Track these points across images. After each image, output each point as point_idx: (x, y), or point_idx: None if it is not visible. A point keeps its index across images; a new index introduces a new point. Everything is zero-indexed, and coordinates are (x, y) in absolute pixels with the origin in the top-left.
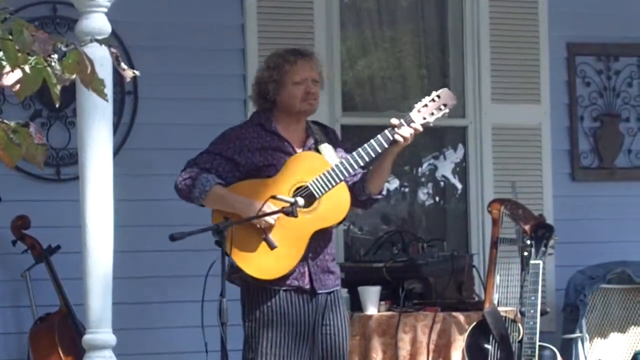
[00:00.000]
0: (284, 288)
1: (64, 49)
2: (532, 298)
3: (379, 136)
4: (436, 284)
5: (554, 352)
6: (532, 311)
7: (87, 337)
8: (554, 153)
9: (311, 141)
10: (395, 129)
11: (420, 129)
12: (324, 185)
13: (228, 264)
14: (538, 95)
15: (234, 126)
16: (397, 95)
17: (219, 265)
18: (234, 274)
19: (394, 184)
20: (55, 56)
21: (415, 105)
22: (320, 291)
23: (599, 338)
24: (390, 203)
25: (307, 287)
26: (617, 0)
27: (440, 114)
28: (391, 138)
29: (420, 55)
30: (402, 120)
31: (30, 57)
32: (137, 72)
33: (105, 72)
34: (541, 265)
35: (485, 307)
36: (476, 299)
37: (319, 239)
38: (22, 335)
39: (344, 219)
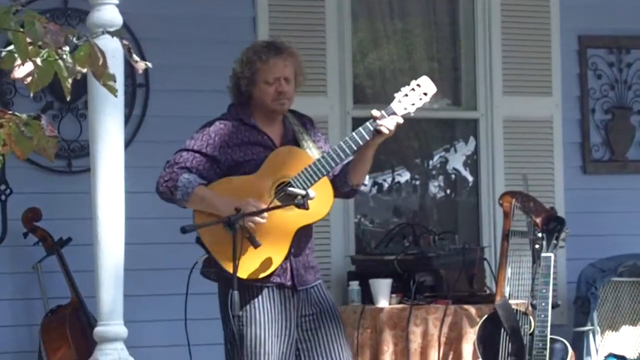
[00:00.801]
0: (266, 284)
1: (75, 41)
2: (544, 291)
3: (360, 129)
4: (447, 277)
5: (565, 344)
6: (543, 304)
7: (99, 329)
8: (565, 146)
9: (290, 134)
10: (377, 121)
11: (401, 120)
12: (306, 180)
13: (202, 257)
14: (549, 88)
15: (212, 120)
16: None
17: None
18: (210, 268)
19: (405, 176)
20: (67, 48)
21: (396, 95)
22: (300, 287)
23: (610, 331)
24: (402, 196)
25: (289, 283)
26: None
27: (421, 104)
28: (372, 130)
29: (432, 47)
30: (383, 112)
31: (41, 50)
32: (149, 64)
33: (117, 64)
34: (552, 258)
35: (497, 299)
36: (487, 291)
37: (301, 235)
38: (34, 328)
39: (328, 214)
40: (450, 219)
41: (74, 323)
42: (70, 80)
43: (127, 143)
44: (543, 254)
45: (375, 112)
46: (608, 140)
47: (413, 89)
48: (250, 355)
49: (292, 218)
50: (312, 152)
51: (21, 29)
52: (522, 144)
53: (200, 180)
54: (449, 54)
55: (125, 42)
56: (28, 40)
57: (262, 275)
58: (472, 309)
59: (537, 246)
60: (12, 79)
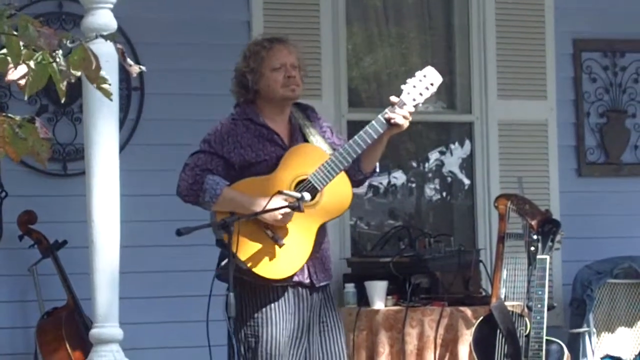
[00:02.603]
0: (285, 284)
1: (69, 45)
2: (539, 293)
3: (373, 122)
4: (443, 279)
5: (561, 346)
6: (539, 306)
7: (94, 331)
8: (560, 149)
9: (297, 131)
10: (389, 114)
11: (413, 110)
12: (324, 177)
13: (230, 261)
14: (544, 91)
15: (224, 121)
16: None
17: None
18: (224, 269)
19: (400, 179)
20: (60, 52)
21: (403, 87)
22: (318, 285)
23: (606, 332)
24: (397, 198)
25: (307, 281)
26: None
27: (428, 94)
28: (384, 122)
29: (427, 51)
30: (396, 103)
31: (35, 53)
32: (143, 68)
33: (111, 68)
34: (548, 260)
35: (493, 301)
36: (483, 293)
37: (319, 232)
38: (29, 330)
39: (348, 209)
40: (445, 221)
41: (69, 325)
42: (65, 83)
43: (122, 146)
44: (538, 256)
45: (393, 98)
46: (603, 143)
47: (420, 80)
48: (265, 356)
49: (313, 215)
50: (322, 146)
51: (15, 33)
52: (517, 147)
53: (226, 182)
54: (444, 57)
55: (119, 46)
56: (22, 43)
57: (287, 274)
58: (467, 311)
59: (532, 248)
60: (6, 82)
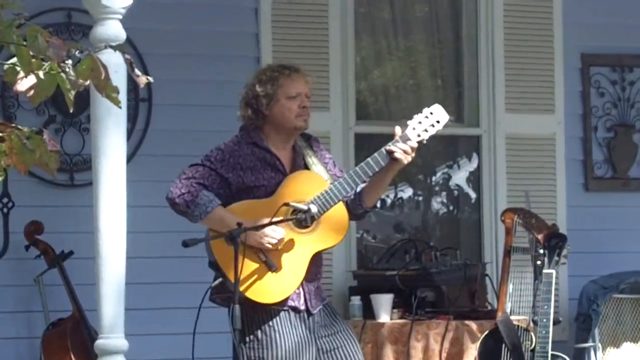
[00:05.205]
0: (282, 308)
1: (78, 55)
2: (545, 307)
3: (375, 154)
4: (449, 293)
5: None
6: (544, 320)
7: (100, 342)
8: (568, 163)
9: (300, 158)
10: (392, 147)
11: (416, 145)
12: (322, 205)
13: (216, 282)
14: (552, 106)
15: (228, 141)
16: (411, 105)
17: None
18: (217, 294)
19: (407, 192)
20: (70, 62)
21: (409, 122)
22: (313, 311)
23: (612, 347)
24: (404, 211)
25: (302, 307)
26: (632, 11)
27: (433, 131)
28: (386, 154)
29: (435, 64)
30: (398, 137)
31: (44, 63)
32: (150, 79)
33: (119, 78)
34: (554, 275)
35: (498, 315)
36: (489, 307)
37: (314, 260)
38: (35, 340)
39: (343, 240)
40: (452, 235)
41: (75, 336)
42: (73, 93)
43: (130, 157)
44: (545, 271)
45: (397, 130)
46: (610, 158)
47: (426, 117)
48: None
49: (307, 243)
50: (323, 175)
51: (24, 43)
52: (525, 161)
53: (219, 201)
54: (452, 71)
55: (127, 56)
56: (31, 53)
57: (278, 299)
58: (473, 325)
59: (538, 262)
60: (15, 92)
